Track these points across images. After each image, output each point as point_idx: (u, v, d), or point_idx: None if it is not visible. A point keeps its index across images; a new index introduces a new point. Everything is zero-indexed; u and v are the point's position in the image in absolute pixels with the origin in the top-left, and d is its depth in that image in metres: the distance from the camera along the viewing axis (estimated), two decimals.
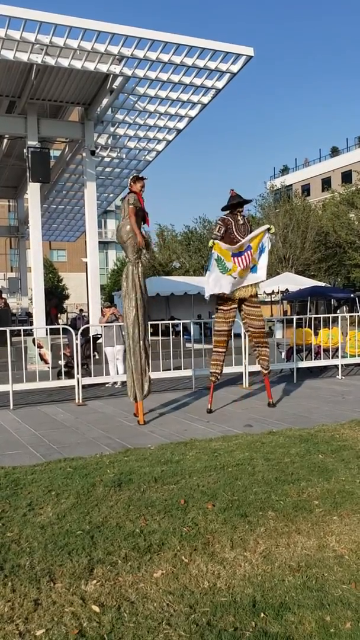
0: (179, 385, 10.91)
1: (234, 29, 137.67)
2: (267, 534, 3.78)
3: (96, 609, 2.90)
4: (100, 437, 6.83)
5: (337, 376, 11.69)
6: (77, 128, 16.68)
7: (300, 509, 4.17)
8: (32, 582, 3.18)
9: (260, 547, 3.60)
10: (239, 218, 8.52)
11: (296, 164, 61.14)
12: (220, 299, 8.53)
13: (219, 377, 8.70)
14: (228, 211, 8.55)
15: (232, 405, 8.85)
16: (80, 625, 2.77)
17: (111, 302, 22.49)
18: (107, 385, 11.09)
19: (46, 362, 12.68)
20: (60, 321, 29.80)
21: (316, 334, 12.74)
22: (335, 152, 56.84)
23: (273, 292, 25.79)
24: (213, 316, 23.85)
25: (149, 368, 8.08)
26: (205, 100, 15.72)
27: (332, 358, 12.11)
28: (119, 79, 14.92)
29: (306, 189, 54.00)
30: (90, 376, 10.25)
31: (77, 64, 13.45)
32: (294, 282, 25.67)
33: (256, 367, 9.56)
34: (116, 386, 11.01)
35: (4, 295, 20.14)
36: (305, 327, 13.17)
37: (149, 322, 8.50)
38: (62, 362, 10.93)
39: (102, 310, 14.04)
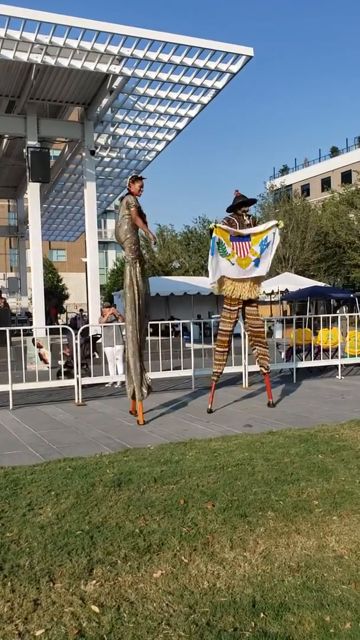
0: (179, 385, 10.91)
1: (234, 29, 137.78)
2: (266, 534, 3.78)
3: (96, 609, 2.90)
4: (99, 437, 6.83)
5: (337, 376, 11.69)
6: (76, 128, 16.68)
7: (300, 509, 4.17)
8: (31, 582, 3.18)
9: (259, 547, 3.60)
10: (245, 218, 8.55)
11: (296, 164, 61.22)
12: (227, 299, 8.59)
13: (219, 376, 8.77)
14: (233, 212, 8.60)
15: (231, 405, 8.85)
16: (80, 625, 2.77)
17: (111, 302, 22.49)
18: (106, 385, 11.09)
19: (46, 362, 12.67)
20: (60, 321, 29.81)
21: (316, 334, 12.74)
22: (335, 152, 56.86)
23: (273, 292, 25.79)
24: (213, 316, 23.77)
25: (144, 368, 8.09)
26: (205, 100, 15.72)
27: (332, 358, 12.11)
28: (119, 79, 14.92)
29: (306, 189, 54.03)
30: (90, 376, 10.25)
31: (77, 64, 13.45)
32: (293, 282, 25.68)
33: (256, 367, 9.56)
34: (116, 386, 11.01)
35: (3, 295, 20.14)
36: (304, 327, 13.17)
37: (149, 322, 8.51)
38: (61, 362, 10.92)
39: (101, 310, 14.05)
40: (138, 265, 7.85)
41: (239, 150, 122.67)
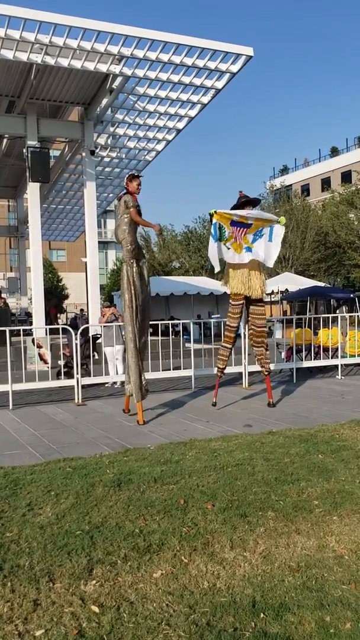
0: (179, 385, 10.90)
1: (234, 29, 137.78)
2: (266, 534, 3.77)
3: (95, 609, 2.90)
4: (99, 437, 6.83)
5: (337, 376, 11.69)
6: (76, 128, 16.68)
7: (300, 509, 4.17)
8: (31, 583, 3.18)
9: (260, 547, 3.60)
10: None
11: (296, 164, 61.23)
12: (234, 294, 8.66)
13: (222, 372, 8.95)
14: None
15: (231, 405, 8.85)
16: (80, 625, 2.76)
17: (110, 302, 22.47)
18: (106, 385, 11.08)
19: (45, 362, 12.67)
20: (59, 321, 29.81)
21: (316, 334, 12.74)
22: (335, 152, 56.87)
23: (273, 292, 25.79)
24: (213, 316, 23.74)
25: (143, 367, 8.09)
26: (205, 100, 15.72)
27: (332, 358, 12.10)
28: (119, 79, 14.91)
29: (306, 189, 54.03)
30: (90, 376, 10.24)
31: (77, 64, 13.44)
32: (293, 282, 25.68)
33: (256, 367, 9.56)
34: (116, 386, 11.00)
35: (3, 295, 20.14)
36: (304, 327, 13.17)
37: (149, 322, 8.51)
38: (61, 362, 10.92)
39: (101, 310, 14.04)
40: (135, 265, 7.85)
41: (239, 150, 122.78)
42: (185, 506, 4.26)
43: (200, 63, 13.84)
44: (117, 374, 10.91)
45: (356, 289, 33.44)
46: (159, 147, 18.84)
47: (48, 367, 11.91)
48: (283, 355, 12.58)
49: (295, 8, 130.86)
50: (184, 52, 13.39)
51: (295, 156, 78.71)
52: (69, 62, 13.31)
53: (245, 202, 8.67)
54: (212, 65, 13.95)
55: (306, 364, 11.94)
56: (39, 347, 12.75)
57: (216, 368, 9.05)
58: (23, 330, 10.76)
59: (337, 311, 26.95)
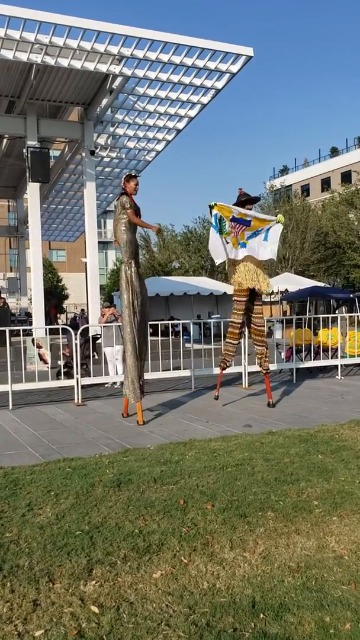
0: (179, 386, 10.90)
1: (234, 29, 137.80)
2: (266, 535, 3.77)
3: (95, 609, 2.90)
4: (99, 437, 6.83)
5: (337, 376, 11.69)
6: (76, 128, 16.68)
7: (300, 510, 4.17)
8: (31, 583, 3.17)
9: (259, 547, 3.60)
10: None
11: (296, 164, 61.26)
12: (239, 291, 8.68)
13: (227, 364, 9.00)
14: None
15: (231, 406, 8.85)
16: (80, 626, 2.76)
17: (110, 302, 22.48)
18: (106, 385, 11.08)
19: (45, 362, 12.69)
20: (59, 321, 29.81)
21: (315, 334, 12.74)
22: (334, 152, 56.90)
23: (272, 293, 25.80)
24: (212, 316, 23.74)
25: (142, 368, 8.10)
26: (204, 100, 15.73)
27: (332, 358, 12.10)
28: (119, 79, 14.92)
29: (306, 189, 54.05)
30: (90, 376, 10.24)
31: (77, 64, 13.45)
32: (293, 282, 25.69)
33: (256, 368, 9.56)
34: (115, 386, 11.00)
35: (2, 295, 20.13)
36: (304, 327, 13.17)
37: (149, 323, 8.52)
38: (61, 362, 10.92)
39: (101, 310, 14.04)
40: (134, 265, 7.87)
41: (239, 151, 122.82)
42: (185, 506, 4.26)
43: (200, 63, 13.85)
44: (116, 374, 10.91)
45: (356, 289, 33.45)
46: (159, 147, 18.85)
47: (48, 367, 11.91)
48: (283, 355, 12.58)
49: (295, 8, 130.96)
50: (184, 52, 13.39)
51: (295, 156, 78.85)
52: (68, 62, 13.32)
53: (245, 200, 8.67)
54: (212, 65, 13.96)
55: (306, 364, 11.94)
56: (39, 347, 12.77)
57: (221, 361, 9.02)
58: (23, 330, 10.75)
59: (337, 311, 26.96)
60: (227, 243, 8.30)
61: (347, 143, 64.17)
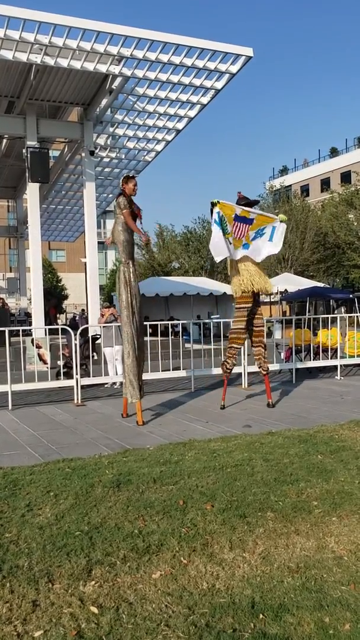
0: (178, 386, 10.90)
1: (234, 29, 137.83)
2: (266, 535, 3.77)
3: (95, 610, 2.90)
4: (99, 438, 6.83)
5: (336, 377, 11.69)
6: (76, 128, 16.68)
7: (299, 510, 4.17)
8: (30, 583, 3.17)
9: (259, 548, 3.60)
10: None
11: (295, 165, 61.28)
12: (242, 298, 8.66)
13: (230, 372, 9.00)
14: None
15: (231, 406, 8.85)
16: (79, 626, 2.76)
17: (110, 303, 22.46)
18: (106, 385, 11.08)
19: (45, 362, 12.68)
20: (59, 321, 29.81)
21: (315, 334, 12.74)
22: (334, 152, 56.92)
23: (272, 293, 25.80)
24: (212, 316, 23.72)
25: (141, 368, 8.11)
26: (204, 100, 15.72)
27: (331, 359, 12.11)
28: (118, 79, 14.91)
29: (305, 190, 54.07)
30: (89, 377, 10.24)
31: (77, 64, 13.44)
32: (293, 282, 25.70)
33: (255, 368, 9.56)
34: (115, 386, 11.00)
35: (1, 295, 20.13)
36: (304, 327, 13.17)
37: (149, 323, 8.53)
38: (60, 363, 10.92)
39: (101, 310, 14.04)
40: (132, 265, 7.91)
41: (239, 151, 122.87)
42: (185, 507, 4.26)
43: (200, 63, 13.85)
44: (116, 374, 10.91)
45: (355, 289, 33.47)
46: (159, 147, 18.85)
47: (47, 368, 11.91)
48: (282, 355, 12.58)
49: (295, 8, 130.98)
50: (184, 53, 13.39)
51: (294, 157, 79.04)
52: (68, 62, 13.32)
53: (245, 204, 8.67)
54: (211, 65, 13.96)
55: (305, 364, 11.94)
56: (39, 347, 12.77)
57: (224, 367, 8.99)
58: (22, 330, 10.75)
59: (336, 311, 26.97)
60: (230, 243, 8.29)
61: (346, 143, 64.28)
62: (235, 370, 10.78)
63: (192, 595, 3.05)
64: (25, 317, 22.43)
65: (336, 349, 12.11)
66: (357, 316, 14.27)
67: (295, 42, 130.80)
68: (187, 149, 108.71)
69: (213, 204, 8.13)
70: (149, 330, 11.99)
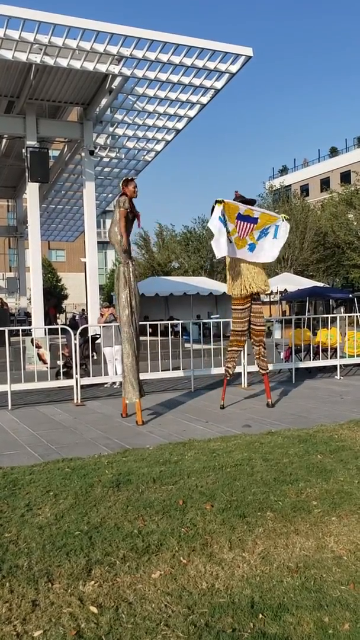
0: (178, 386, 10.90)
1: (233, 29, 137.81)
2: (265, 535, 3.77)
3: (94, 609, 2.90)
4: (98, 438, 6.83)
5: (336, 376, 11.69)
6: (76, 128, 16.67)
7: (299, 510, 4.17)
8: (30, 583, 3.18)
9: (258, 547, 3.60)
10: None
11: (295, 165, 61.25)
12: (236, 299, 8.67)
13: (230, 373, 9.02)
14: None
15: (231, 406, 8.85)
16: (78, 626, 2.76)
17: (110, 303, 22.45)
18: (105, 385, 11.08)
19: (45, 362, 12.68)
20: (59, 321, 29.80)
21: (315, 334, 12.75)
22: (334, 152, 56.90)
23: (272, 293, 25.81)
24: (212, 316, 23.71)
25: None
26: (204, 100, 15.71)
27: (331, 358, 12.11)
28: (118, 79, 14.90)
29: (305, 189, 54.05)
30: (89, 376, 10.24)
31: (76, 64, 13.43)
32: (292, 282, 25.70)
33: (255, 368, 9.57)
34: (115, 386, 11.00)
35: (1, 295, 20.13)
36: (303, 327, 13.17)
37: (149, 322, 8.54)
38: (60, 363, 10.91)
39: (100, 310, 14.03)
40: (131, 264, 7.93)
41: (239, 151, 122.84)
42: (184, 507, 4.26)
43: (200, 63, 13.83)
44: (116, 374, 10.90)
45: (355, 289, 33.47)
46: (159, 147, 18.83)
47: (47, 368, 11.91)
48: (282, 355, 12.59)
49: (295, 8, 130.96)
50: (183, 52, 13.38)
51: (294, 156, 79.00)
52: (68, 62, 13.30)
53: (241, 202, 8.68)
54: (211, 65, 13.95)
55: (305, 364, 11.94)
56: (38, 347, 12.77)
57: (224, 368, 9.08)
58: (22, 330, 10.75)
59: (335, 311, 26.98)
60: (230, 242, 8.29)
61: (346, 143, 64.30)
62: (235, 370, 10.80)
63: (191, 595, 3.05)
64: (25, 317, 22.43)
65: (336, 349, 12.11)
66: (356, 316, 14.27)
67: (295, 42, 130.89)
68: (187, 149, 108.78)
69: (217, 202, 8.13)
70: (149, 330, 12.00)
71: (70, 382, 9.75)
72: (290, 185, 52.69)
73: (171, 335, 11.93)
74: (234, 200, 8.70)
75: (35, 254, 15.92)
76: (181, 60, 13.60)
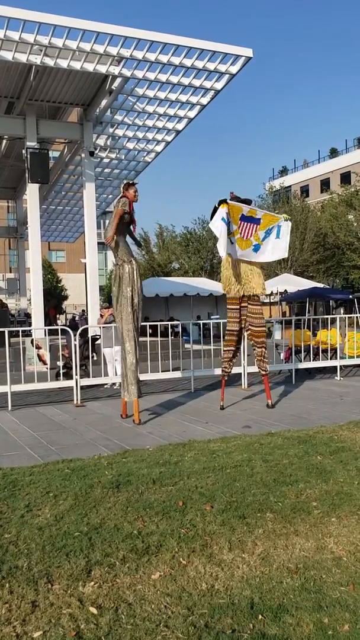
0: (178, 386, 10.90)
1: (233, 29, 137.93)
2: (265, 536, 3.78)
3: (94, 610, 2.90)
4: (98, 439, 6.83)
5: (336, 377, 11.69)
6: (76, 129, 16.68)
7: (299, 511, 4.17)
8: (29, 584, 3.18)
9: (258, 548, 3.60)
10: None
11: (295, 165, 61.28)
12: (229, 299, 8.71)
13: (228, 373, 9.02)
14: None
15: (230, 407, 8.85)
16: (78, 627, 2.76)
17: (110, 303, 22.47)
18: (105, 386, 11.08)
19: (44, 363, 12.69)
20: (59, 322, 29.81)
21: (315, 335, 12.75)
22: (334, 153, 56.92)
23: (272, 293, 25.81)
24: (212, 317, 23.72)
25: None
26: (204, 101, 15.72)
27: (331, 359, 12.11)
28: (118, 80, 14.91)
29: (305, 190, 54.09)
30: (89, 377, 10.24)
31: (76, 65, 13.45)
32: (292, 283, 25.71)
33: (255, 369, 9.57)
34: (115, 387, 10.99)
35: (0, 296, 20.13)
36: (303, 328, 13.17)
37: (149, 323, 8.56)
38: (60, 363, 10.91)
39: (100, 311, 14.04)
40: (134, 262, 7.96)
41: (239, 151, 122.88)
42: (184, 508, 4.26)
43: (200, 64, 13.85)
44: (115, 374, 10.90)
45: (355, 290, 33.47)
46: (159, 148, 18.85)
47: (47, 368, 11.91)
48: (282, 356, 12.59)
49: (294, 8, 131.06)
50: (183, 53, 13.40)
51: (294, 157, 79.10)
52: (68, 63, 13.32)
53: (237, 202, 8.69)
54: (211, 66, 13.96)
55: (305, 365, 11.94)
56: (38, 348, 12.77)
57: (222, 369, 9.11)
58: (22, 331, 10.75)
59: (334, 312, 26.98)
60: (232, 243, 8.33)
61: (346, 144, 64.39)
62: (235, 370, 10.80)
63: (191, 595, 3.05)
64: (25, 318, 22.44)
65: (336, 350, 12.11)
66: (356, 317, 14.27)
67: (295, 42, 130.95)
68: (187, 150, 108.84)
69: (221, 203, 8.15)
70: (149, 331, 12.01)
71: (70, 383, 9.76)
72: (290, 186, 52.73)
73: (171, 335, 11.94)
74: (230, 200, 8.72)
75: (36, 255, 15.92)
76: (181, 61, 13.61)
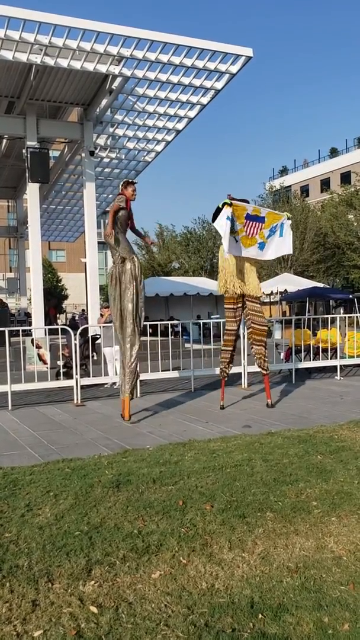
0: (178, 386, 10.91)
1: (233, 28, 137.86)
2: (265, 535, 3.78)
3: (94, 609, 2.90)
4: (98, 438, 6.83)
5: (336, 377, 11.70)
6: (76, 128, 16.68)
7: (299, 510, 4.17)
8: (30, 583, 3.18)
9: (258, 548, 3.60)
10: None
11: (295, 165, 61.26)
12: (226, 298, 8.72)
13: (226, 373, 8.99)
14: None
15: (231, 406, 8.86)
16: (78, 626, 2.77)
17: None
18: (105, 385, 11.08)
19: (45, 362, 12.69)
20: (59, 321, 29.80)
21: (315, 334, 12.75)
22: (334, 153, 56.91)
23: (272, 293, 25.82)
24: (212, 316, 23.74)
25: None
26: (204, 100, 15.72)
27: (331, 359, 12.11)
28: (118, 80, 14.91)
29: (305, 190, 54.07)
30: (89, 377, 10.24)
31: (76, 65, 13.44)
32: (292, 282, 25.70)
33: (255, 368, 9.57)
34: (115, 387, 10.99)
35: (1, 296, 20.13)
36: (304, 327, 13.17)
37: (149, 323, 8.57)
38: (60, 363, 10.92)
39: (100, 310, 14.04)
40: (136, 260, 7.97)
41: (239, 151, 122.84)
42: (184, 507, 4.27)
43: (200, 64, 13.84)
44: (116, 374, 10.90)
45: (355, 289, 33.47)
46: (159, 147, 18.84)
47: (47, 368, 11.91)
48: (282, 355, 12.59)
49: (294, 7, 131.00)
50: (184, 53, 13.39)
51: (294, 157, 79.06)
52: (68, 62, 13.32)
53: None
54: (211, 65, 13.96)
55: (305, 364, 11.95)
56: (38, 347, 12.78)
57: (220, 370, 9.10)
58: (22, 330, 10.76)
59: (334, 311, 26.98)
60: (237, 241, 8.36)
61: (346, 144, 64.39)
62: (235, 370, 10.81)
63: (191, 595, 3.06)
64: (25, 317, 22.43)
65: (336, 349, 12.12)
66: (356, 316, 14.28)
67: (295, 42, 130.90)
68: (187, 149, 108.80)
69: (225, 204, 8.16)
70: (149, 331, 12.00)
71: (70, 382, 9.76)
72: (290, 185, 52.71)
73: (171, 335, 11.94)
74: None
75: (36, 255, 15.92)
76: (181, 60, 13.61)
